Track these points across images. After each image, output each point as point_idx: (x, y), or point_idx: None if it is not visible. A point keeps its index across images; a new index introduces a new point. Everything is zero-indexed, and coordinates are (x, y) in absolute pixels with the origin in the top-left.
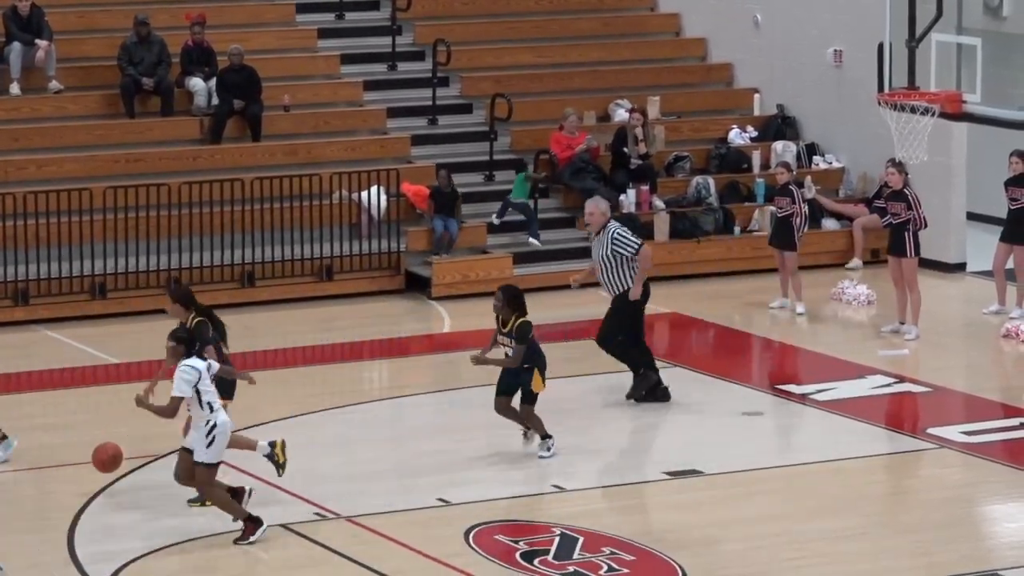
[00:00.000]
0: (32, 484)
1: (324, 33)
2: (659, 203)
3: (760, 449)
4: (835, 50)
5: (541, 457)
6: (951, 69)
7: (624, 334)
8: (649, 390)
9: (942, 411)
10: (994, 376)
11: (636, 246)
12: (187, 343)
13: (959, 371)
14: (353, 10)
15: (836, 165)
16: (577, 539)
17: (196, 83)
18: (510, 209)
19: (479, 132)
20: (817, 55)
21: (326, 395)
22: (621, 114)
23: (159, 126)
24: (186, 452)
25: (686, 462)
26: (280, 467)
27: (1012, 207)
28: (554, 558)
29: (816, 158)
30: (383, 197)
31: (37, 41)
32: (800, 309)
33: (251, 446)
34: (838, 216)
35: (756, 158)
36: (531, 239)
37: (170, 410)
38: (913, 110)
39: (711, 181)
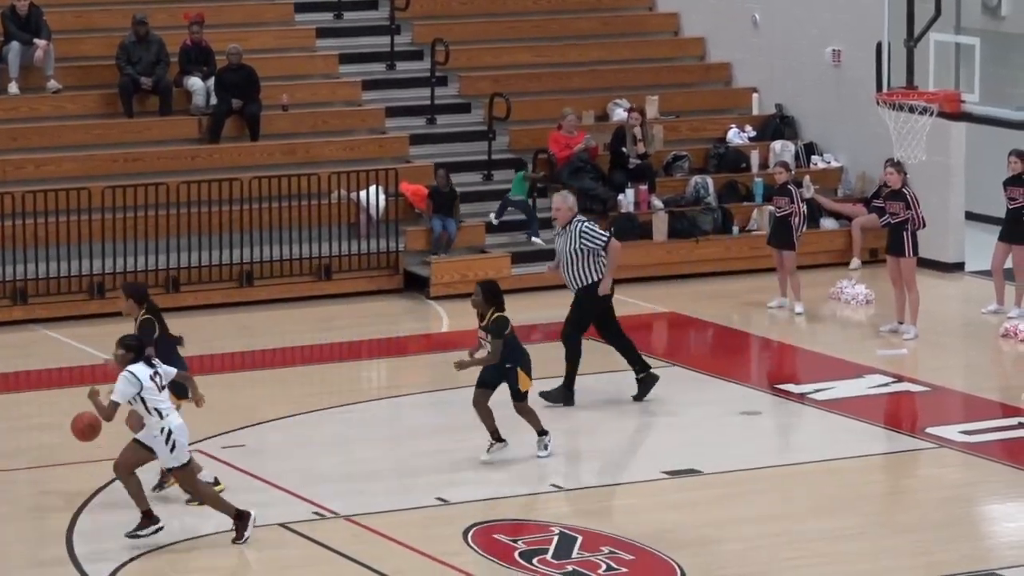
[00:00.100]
0: (30, 483)
1: (322, 32)
2: (657, 203)
3: (759, 449)
4: (834, 50)
5: (539, 456)
6: (950, 69)
7: (583, 329)
8: (643, 382)
9: (941, 411)
10: (993, 376)
11: (605, 239)
12: (135, 350)
13: (958, 371)
14: (351, 9)
15: (835, 165)
16: (576, 538)
17: (194, 82)
18: (509, 209)
19: (477, 132)
20: (816, 55)
21: (324, 394)
22: (620, 114)
23: (157, 125)
24: (135, 443)
25: (684, 462)
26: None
27: (1010, 206)
28: (553, 557)
29: (815, 158)
30: (381, 197)
31: (35, 40)
32: (799, 309)
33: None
34: (837, 216)
35: (755, 158)
36: (533, 238)
37: (107, 413)
38: (912, 110)
39: (710, 181)
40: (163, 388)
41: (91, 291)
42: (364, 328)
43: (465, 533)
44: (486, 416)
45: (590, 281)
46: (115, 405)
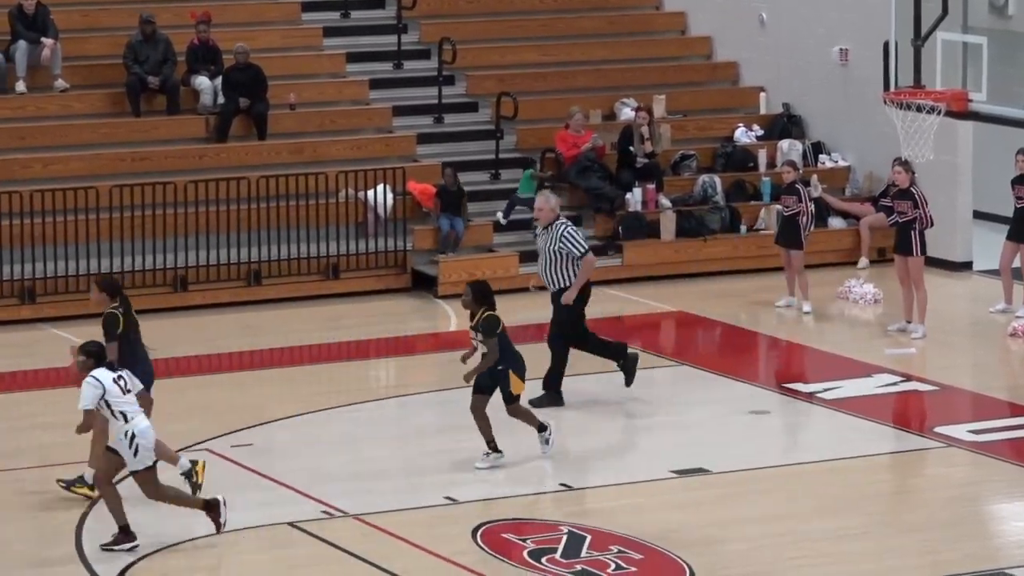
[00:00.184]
0: (38, 482)
1: (329, 31)
2: (665, 202)
3: (766, 448)
4: (841, 49)
5: (544, 452)
6: (957, 68)
7: (569, 332)
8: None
9: (949, 410)
10: (1001, 375)
11: (583, 250)
12: (95, 356)
13: (966, 370)
14: (358, 8)
15: (842, 164)
16: (585, 537)
17: (202, 81)
18: (517, 207)
19: (485, 130)
20: (823, 54)
21: (332, 393)
22: (627, 113)
23: (165, 125)
24: (107, 451)
25: (692, 461)
26: (196, 488)
27: (1018, 205)
28: (562, 556)
29: (822, 157)
30: (389, 196)
31: (43, 39)
32: (806, 308)
33: (173, 460)
34: (844, 215)
35: (762, 157)
36: None
37: (84, 425)
38: (919, 109)
39: (717, 180)
40: (128, 391)
41: None
42: (372, 327)
43: (474, 532)
44: (484, 424)
45: (566, 284)
46: (87, 413)
